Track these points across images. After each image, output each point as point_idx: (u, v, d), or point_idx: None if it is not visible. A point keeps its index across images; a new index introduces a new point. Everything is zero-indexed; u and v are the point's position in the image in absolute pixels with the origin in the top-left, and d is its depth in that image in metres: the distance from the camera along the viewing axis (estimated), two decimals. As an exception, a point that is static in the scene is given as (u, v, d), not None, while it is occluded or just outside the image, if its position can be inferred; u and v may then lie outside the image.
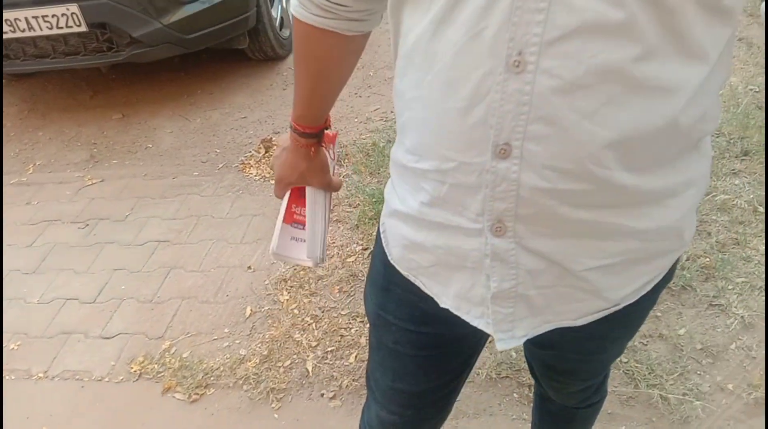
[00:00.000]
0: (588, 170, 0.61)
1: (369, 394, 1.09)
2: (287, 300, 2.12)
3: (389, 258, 0.86)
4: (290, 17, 3.73)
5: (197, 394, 1.84)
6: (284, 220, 1.07)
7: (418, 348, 0.92)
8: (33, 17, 2.92)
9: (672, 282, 1.98)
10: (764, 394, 1.67)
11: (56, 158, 3.12)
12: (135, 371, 1.93)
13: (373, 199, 2.45)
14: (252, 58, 3.69)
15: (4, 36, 3.01)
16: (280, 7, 3.71)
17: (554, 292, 0.74)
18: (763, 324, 1.85)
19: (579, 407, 1.20)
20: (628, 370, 1.76)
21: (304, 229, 1.06)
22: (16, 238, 2.59)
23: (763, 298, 1.92)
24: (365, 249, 2.29)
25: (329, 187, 1.05)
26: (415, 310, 0.87)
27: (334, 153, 1.05)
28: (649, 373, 1.74)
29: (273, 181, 2.68)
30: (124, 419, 1.80)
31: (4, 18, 2.94)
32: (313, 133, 0.96)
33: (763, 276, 1.98)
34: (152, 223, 2.56)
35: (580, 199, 0.64)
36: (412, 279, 0.84)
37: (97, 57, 3.10)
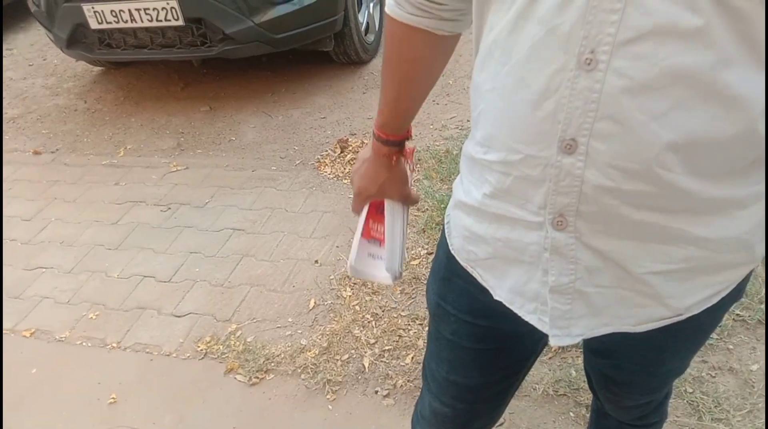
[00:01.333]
0: (652, 172, 0.61)
1: (424, 384, 1.10)
2: (350, 296, 2.16)
3: (450, 248, 0.88)
4: (375, 22, 3.80)
5: (257, 377, 1.90)
6: (362, 235, 1.06)
7: (475, 340, 0.93)
8: (135, 9, 3.11)
9: (748, 315, 1.90)
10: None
11: (146, 144, 3.30)
12: (201, 350, 2.02)
13: (442, 205, 2.46)
14: (336, 61, 3.78)
15: (108, 26, 3.22)
16: (366, 12, 3.79)
17: (614, 294, 0.73)
18: None
19: (636, 425, 1.18)
20: (692, 401, 1.69)
21: (381, 246, 1.05)
22: (103, 215, 2.75)
23: None
24: (430, 253, 2.30)
25: (408, 199, 1.05)
26: (474, 302, 0.89)
27: (412, 166, 1.05)
28: (715, 407, 1.67)
29: (346, 181, 2.75)
30: (188, 394, 1.88)
31: (110, 8, 3.14)
32: (396, 141, 0.97)
33: None
34: (229, 212, 2.67)
35: (642, 201, 0.64)
36: (470, 270, 0.85)
37: (191, 51, 3.26)
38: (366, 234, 1.07)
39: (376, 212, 1.06)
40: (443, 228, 0.93)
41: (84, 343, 2.12)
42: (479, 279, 0.84)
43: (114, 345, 2.09)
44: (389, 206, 1.04)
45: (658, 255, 0.69)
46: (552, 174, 0.66)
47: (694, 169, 0.62)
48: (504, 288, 0.81)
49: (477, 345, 0.94)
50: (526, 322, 0.80)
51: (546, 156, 0.65)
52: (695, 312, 0.76)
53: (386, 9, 0.86)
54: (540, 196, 0.69)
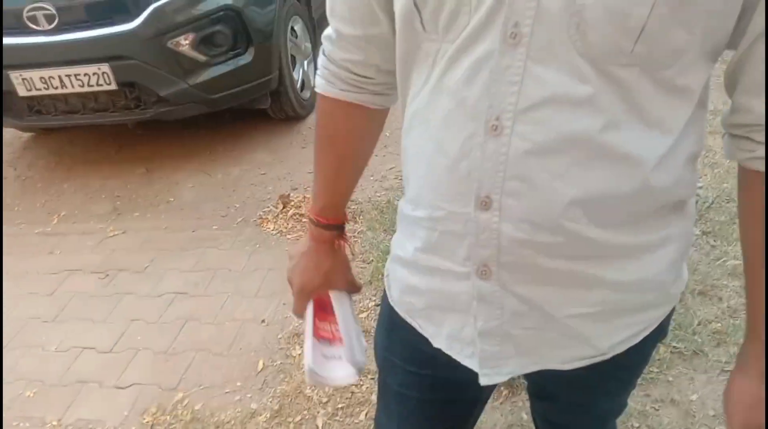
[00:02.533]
0: (559, 224, 0.67)
1: None
2: (299, 354, 2.14)
3: (390, 300, 0.92)
4: (310, 78, 3.87)
5: (207, 447, 1.85)
6: (314, 336, 0.99)
7: (422, 391, 0.95)
8: (66, 75, 3.09)
9: (684, 346, 1.98)
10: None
11: (80, 210, 3.22)
12: (147, 422, 1.95)
13: (386, 256, 2.48)
14: (273, 118, 3.82)
15: (38, 93, 3.16)
16: (301, 70, 3.87)
17: (540, 335, 0.78)
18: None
19: None
20: (639, 436, 1.75)
21: (332, 344, 0.98)
22: (38, 286, 2.65)
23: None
24: (377, 305, 2.32)
25: (353, 285, 1.03)
26: (417, 352, 0.91)
27: (352, 253, 1.04)
28: (661, 439, 1.73)
29: (290, 236, 2.76)
30: (134, 471, 1.81)
31: (39, 76, 3.10)
32: (337, 224, 0.97)
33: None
34: (170, 275, 2.62)
35: (554, 250, 0.70)
36: (409, 320, 0.89)
37: (125, 114, 3.24)
38: (317, 335, 1.00)
39: (321, 310, 1.00)
40: (384, 281, 0.96)
41: (21, 424, 2.01)
42: (419, 328, 0.88)
43: (54, 423, 1.99)
44: (336, 297, 0.99)
45: (576, 299, 0.74)
46: (472, 228, 0.71)
47: (598, 220, 0.68)
48: (442, 335, 0.84)
49: (424, 395, 0.96)
50: (468, 370, 0.83)
51: (465, 212, 0.71)
52: (619, 351, 0.81)
53: (317, 88, 0.90)
54: (464, 249, 0.74)
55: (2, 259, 2.81)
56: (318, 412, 1.92)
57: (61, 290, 2.62)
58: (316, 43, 4.16)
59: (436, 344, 0.85)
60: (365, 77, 0.86)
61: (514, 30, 0.61)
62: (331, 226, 0.97)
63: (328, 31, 0.85)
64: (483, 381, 0.82)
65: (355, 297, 2.33)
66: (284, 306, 2.39)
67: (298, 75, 3.80)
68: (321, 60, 0.88)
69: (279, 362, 2.13)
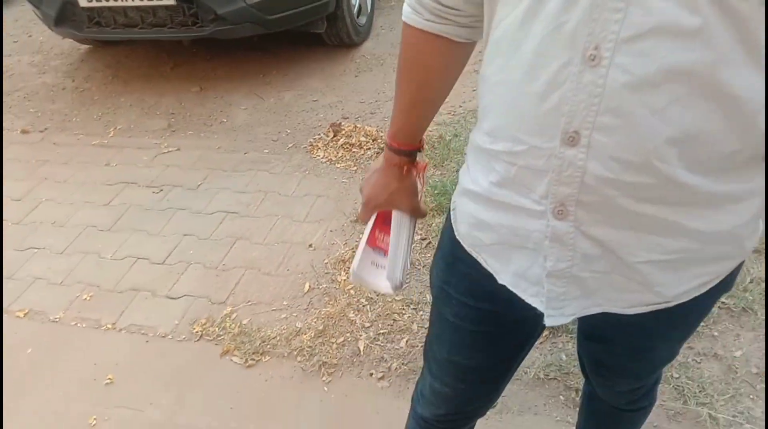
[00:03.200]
0: (651, 164, 0.64)
1: (425, 364, 1.14)
2: (344, 280, 2.19)
3: (456, 234, 0.91)
4: (367, 5, 3.77)
5: (253, 360, 1.93)
6: (367, 243, 1.06)
7: (476, 323, 0.96)
8: (127, -13, 3.07)
9: (733, 303, 1.95)
10: None
11: (136, 124, 3.27)
12: (197, 332, 2.04)
13: (435, 191, 2.48)
14: (328, 44, 3.77)
15: (98, 4, 3.17)
16: (359, -6, 3.77)
17: (607, 278, 0.77)
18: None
19: (626, 409, 1.22)
20: (678, 386, 1.75)
21: (385, 256, 1.05)
22: (95, 196, 2.74)
23: (829, 328, 1.87)
24: (423, 239, 2.33)
25: (416, 211, 1.06)
26: (476, 286, 0.92)
27: (423, 181, 1.06)
28: (700, 391, 1.73)
29: (339, 165, 2.76)
30: (184, 376, 1.91)
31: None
32: (408, 151, 0.98)
33: (831, 306, 1.93)
34: (223, 194, 2.67)
35: (641, 193, 0.67)
36: (474, 255, 0.88)
37: (182, 31, 3.23)
38: (371, 242, 1.07)
39: (383, 223, 1.06)
40: (448, 214, 0.96)
41: (79, 324, 2.12)
42: (484, 264, 0.87)
43: (109, 326, 2.10)
44: (396, 217, 1.04)
45: (652, 245, 0.72)
46: (555, 165, 0.69)
47: (691, 163, 0.65)
48: (508, 272, 0.84)
49: (478, 327, 0.98)
50: (526, 307, 0.84)
51: (549, 147, 0.68)
52: (683, 300, 0.80)
53: (403, 17, 0.88)
54: (543, 186, 0.72)
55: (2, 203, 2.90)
56: (360, 336, 1.97)
57: (117, 201, 2.70)
58: (375, -32, 4.05)
59: (501, 281, 0.85)
60: (451, 8, 0.83)
61: None
62: (402, 151, 0.98)
63: None
64: (548, 322, 0.82)
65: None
66: (331, 232, 2.42)
67: (355, 0, 3.71)
68: None
69: (324, 286, 2.18)
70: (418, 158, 1.02)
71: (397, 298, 2.09)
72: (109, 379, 1.92)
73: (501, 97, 0.73)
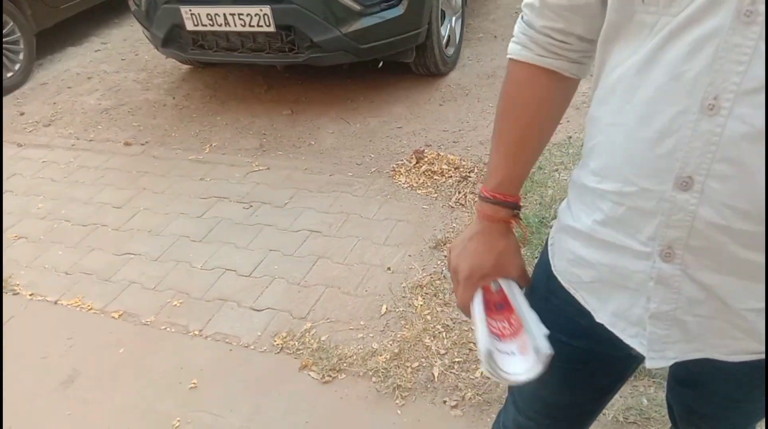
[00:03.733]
0: (763, 214, 0.64)
1: (509, 398, 1.14)
2: (421, 305, 2.22)
3: (552, 269, 0.91)
4: (456, 36, 3.83)
5: (330, 376, 1.98)
6: (490, 333, 0.90)
7: (568, 360, 0.96)
8: (230, 14, 3.26)
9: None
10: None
11: (230, 142, 3.45)
12: (278, 344, 2.11)
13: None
14: (415, 72, 3.85)
15: (203, 28, 3.38)
16: (449, 25, 3.84)
17: (711, 324, 0.76)
18: None
19: None
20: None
21: (503, 341, 0.91)
22: (189, 208, 2.90)
23: None
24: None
25: (524, 275, 0.96)
26: (570, 323, 0.92)
27: (523, 235, 0.96)
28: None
29: (420, 191, 2.81)
30: (264, 386, 1.98)
31: (206, 12, 3.30)
32: (514, 202, 0.92)
33: None
34: (307, 214, 2.77)
35: (752, 241, 0.67)
36: (572, 292, 0.88)
37: (279, 56, 3.39)
38: (494, 331, 0.92)
39: (486, 308, 0.92)
40: (545, 248, 0.96)
41: (168, 329, 2.24)
42: (581, 301, 0.88)
43: (196, 333, 2.21)
44: (506, 286, 0.92)
45: (759, 293, 0.72)
46: (665, 208, 0.70)
47: None
48: (606, 311, 0.84)
49: (570, 364, 0.97)
50: (621, 347, 0.83)
51: (661, 190, 0.69)
52: None
53: (510, 54, 0.89)
54: (651, 228, 0.72)
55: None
56: (435, 362, 1.99)
57: (209, 214, 2.84)
58: (466, 1, 4.12)
59: (598, 319, 0.85)
60: (564, 42, 0.85)
61: (750, 8, 0.59)
62: (509, 204, 0.92)
63: (530, 0, 0.85)
64: (649, 364, 0.81)
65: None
66: (409, 257, 2.46)
67: (445, 31, 3.78)
68: (519, 26, 0.88)
69: (401, 309, 2.21)
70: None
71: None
72: (194, 383, 2.01)
73: (613, 138, 0.74)
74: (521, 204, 0.94)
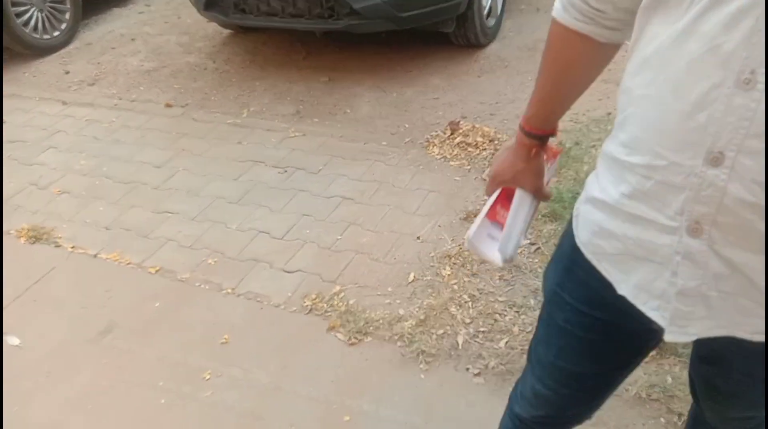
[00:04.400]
0: None
1: (528, 365, 1.16)
2: (449, 275, 2.24)
3: (576, 240, 0.93)
4: (498, 7, 3.77)
5: (356, 338, 2.02)
6: (486, 215, 1.13)
7: (587, 330, 0.98)
8: (273, -22, 3.27)
9: None
10: None
11: (268, 108, 3.48)
12: (307, 305, 2.16)
13: (551, 199, 2.47)
14: (454, 43, 3.81)
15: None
16: (491, -4, 3.79)
17: (736, 301, 0.76)
18: None
19: None
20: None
21: (502, 230, 1.11)
22: (226, 170, 2.96)
23: None
24: (533, 244, 2.33)
25: (539, 192, 1.10)
26: (592, 294, 0.93)
27: (552, 167, 1.11)
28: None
29: (453, 163, 2.81)
30: (291, 345, 2.03)
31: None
32: (538, 134, 1.03)
33: None
34: (341, 180, 2.80)
35: None
36: (595, 263, 0.89)
37: (318, 22, 3.39)
38: (491, 215, 1.13)
39: (507, 199, 1.11)
40: (570, 220, 0.98)
41: (202, 286, 2.31)
42: (604, 272, 0.88)
43: (229, 290, 2.27)
44: (519, 194, 1.09)
45: None
46: (694, 183, 0.70)
47: None
48: (629, 283, 0.85)
49: (588, 334, 0.99)
50: (642, 320, 0.84)
51: (691, 165, 0.69)
52: None
53: (553, 13, 0.93)
54: (678, 203, 0.72)
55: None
56: (460, 330, 2.01)
57: (245, 177, 2.90)
58: (509, -29, 4.05)
59: (620, 291, 0.86)
60: (599, 11, 0.86)
61: None
62: (533, 135, 1.03)
63: None
64: (668, 337, 0.82)
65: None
66: (439, 227, 2.48)
67: (486, 1, 3.73)
68: None
69: (429, 277, 2.24)
70: (550, 143, 1.07)
71: (500, 299, 2.12)
72: (225, 338, 2.08)
73: (645, 110, 0.74)
74: (556, 134, 1.06)
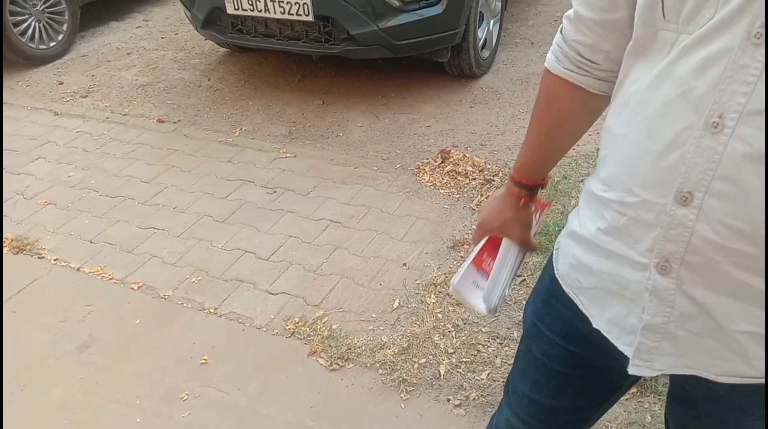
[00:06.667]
0: (760, 235, 0.66)
1: (504, 398, 1.16)
2: (433, 303, 2.23)
3: (555, 273, 0.94)
4: (493, 39, 3.82)
5: (338, 364, 2.00)
6: (473, 262, 1.11)
7: (564, 365, 0.98)
8: (271, 0, 3.30)
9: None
10: None
11: (260, 128, 3.49)
12: (289, 329, 2.14)
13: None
14: (448, 73, 3.86)
15: (243, 13, 3.42)
16: (486, 29, 3.84)
17: (702, 342, 0.77)
18: None
19: None
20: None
21: (487, 279, 1.09)
22: (215, 188, 2.95)
23: None
24: (518, 276, 2.34)
25: (526, 244, 1.10)
26: (569, 328, 0.94)
27: (539, 219, 1.11)
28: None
29: (443, 191, 2.82)
30: (272, 368, 2.01)
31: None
32: (528, 185, 1.04)
33: None
34: (329, 204, 2.80)
35: (747, 262, 0.68)
36: (572, 296, 0.91)
37: (315, 46, 3.42)
38: (477, 263, 1.12)
39: (493, 248, 1.10)
40: (551, 253, 0.99)
41: (184, 304, 2.29)
42: (580, 306, 0.90)
43: (211, 310, 2.25)
44: (506, 244, 1.09)
45: (752, 316, 0.73)
46: (664, 221, 0.72)
47: None
48: (603, 318, 0.86)
49: (565, 369, 0.99)
50: (616, 357, 0.85)
51: (661, 203, 0.71)
52: None
53: (546, 63, 0.94)
54: (649, 240, 0.74)
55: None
56: (442, 360, 2.00)
57: (234, 196, 2.89)
58: (506, 4, 4.11)
59: (595, 325, 0.87)
60: (591, 62, 0.88)
61: (760, 30, 0.61)
62: (522, 185, 1.04)
63: (569, 12, 0.89)
64: (631, 370, 0.83)
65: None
66: (426, 255, 2.48)
67: (482, 33, 3.78)
68: (557, 38, 0.92)
69: (413, 305, 2.23)
70: (539, 195, 1.07)
71: (484, 330, 2.11)
72: (204, 359, 2.06)
73: (621, 149, 0.77)
74: (544, 186, 1.07)
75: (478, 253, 1.11)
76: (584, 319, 0.89)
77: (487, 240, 1.11)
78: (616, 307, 0.83)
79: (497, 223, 1.08)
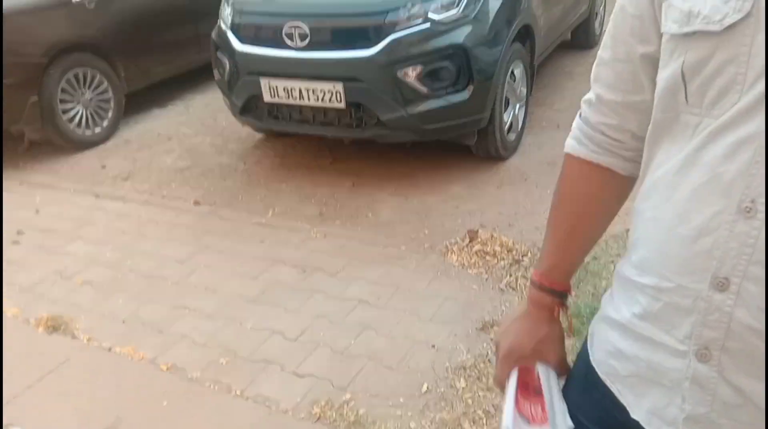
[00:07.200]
0: None
1: None
2: (463, 388, 2.19)
3: (591, 359, 0.91)
4: (519, 123, 3.90)
5: (364, 452, 1.96)
6: (515, 409, 0.92)
7: None
8: (305, 89, 3.47)
9: None
10: None
11: (292, 209, 3.57)
12: (315, 413, 2.11)
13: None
14: (475, 155, 3.93)
15: (279, 101, 3.59)
16: (512, 112, 3.94)
17: None
18: None
19: None
20: None
21: (531, 426, 0.92)
22: (246, 268, 3.00)
23: None
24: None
25: (563, 364, 0.97)
26: (608, 417, 0.90)
27: (569, 325, 0.99)
28: None
29: (471, 271, 2.82)
30: (297, 453, 1.98)
31: (283, 86, 3.51)
32: (561, 291, 0.95)
33: None
34: (358, 283, 2.82)
35: None
36: (609, 384, 0.87)
37: (347, 131, 3.55)
38: (518, 407, 0.93)
39: (525, 387, 0.94)
40: (585, 338, 0.96)
41: (212, 386, 2.29)
42: (617, 394, 0.87)
43: (238, 393, 2.24)
44: (543, 372, 0.93)
45: None
46: (701, 307, 0.70)
47: None
48: (642, 408, 0.83)
49: None
50: None
51: (697, 289, 0.70)
52: None
53: (566, 149, 0.93)
54: (687, 326, 0.72)
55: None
56: (472, 448, 1.94)
57: (264, 276, 2.93)
58: (531, 89, 4.22)
59: (634, 415, 0.84)
60: (617, 141, 0.88)
61: None
62: (555, 292, 0.95)
63: (588, 96, 0.89)
64: None
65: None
66: (455, 337, 2.45)
67: (508, 117, 3.87)
68: (576, 122, 0.92)
69: (443, 390, 2.19)
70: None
71: (514, 415, 2.05)
72: (230, 443, 2.03)
73: (653, 233, 0.76)
74: (572, 293, 0.96)
75: (515, 397, 0.92)
76: (622, 408, 0.85)
77: (517, 376, 0.94)
78: (654, 395, 0.80)
79: (530, 345, 0.94)
